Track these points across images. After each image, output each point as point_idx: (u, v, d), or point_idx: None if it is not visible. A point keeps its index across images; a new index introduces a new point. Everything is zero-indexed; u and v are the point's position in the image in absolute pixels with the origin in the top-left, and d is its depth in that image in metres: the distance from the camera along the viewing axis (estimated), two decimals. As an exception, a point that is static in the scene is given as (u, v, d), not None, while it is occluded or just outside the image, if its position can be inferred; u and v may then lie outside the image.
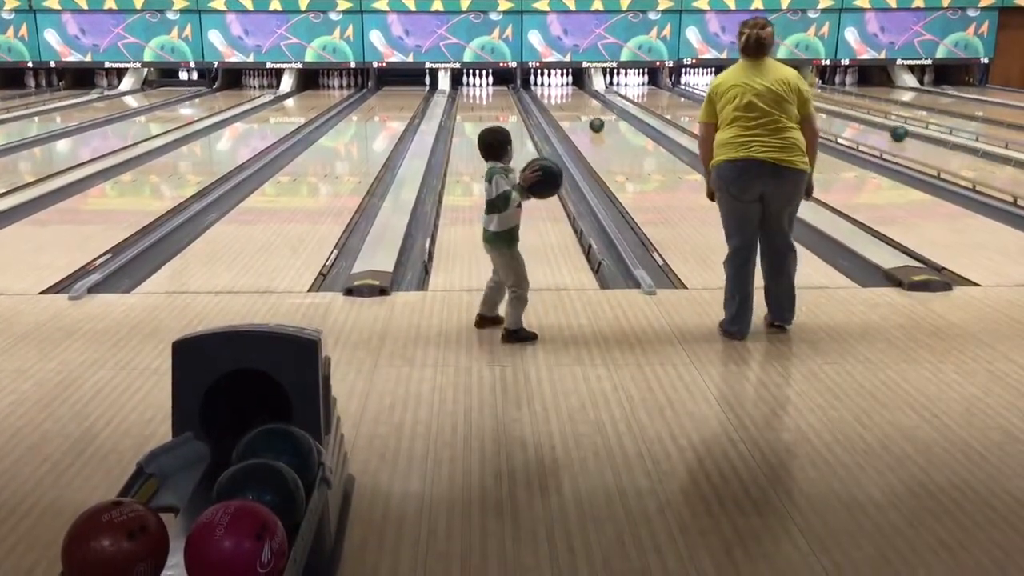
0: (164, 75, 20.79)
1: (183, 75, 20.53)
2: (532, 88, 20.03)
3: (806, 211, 6.59)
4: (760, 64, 4.48)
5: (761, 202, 4.45)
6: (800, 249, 4.76)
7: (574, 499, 3.07)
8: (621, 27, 19.74)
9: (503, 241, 4.48)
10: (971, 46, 19.96)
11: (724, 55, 19.93)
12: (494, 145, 4.49)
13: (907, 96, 18.30)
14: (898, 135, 11.75)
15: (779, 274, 4.58)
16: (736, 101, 4.41)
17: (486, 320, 4.73)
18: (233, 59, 19.75)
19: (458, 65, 19.94)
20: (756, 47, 4.48)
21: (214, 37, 19.52)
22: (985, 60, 19.97)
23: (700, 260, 6.09)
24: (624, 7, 19.61)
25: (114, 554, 1.94)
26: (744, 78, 4.45)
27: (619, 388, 3.99)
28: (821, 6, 19.65)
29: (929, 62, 20.17)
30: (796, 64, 20.55)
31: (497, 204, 4.41)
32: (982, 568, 2.70)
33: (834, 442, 3.50)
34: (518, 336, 4.54)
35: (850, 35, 19.85)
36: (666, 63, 20.09)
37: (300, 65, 19.82)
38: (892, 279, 5.59)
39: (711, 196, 4.68)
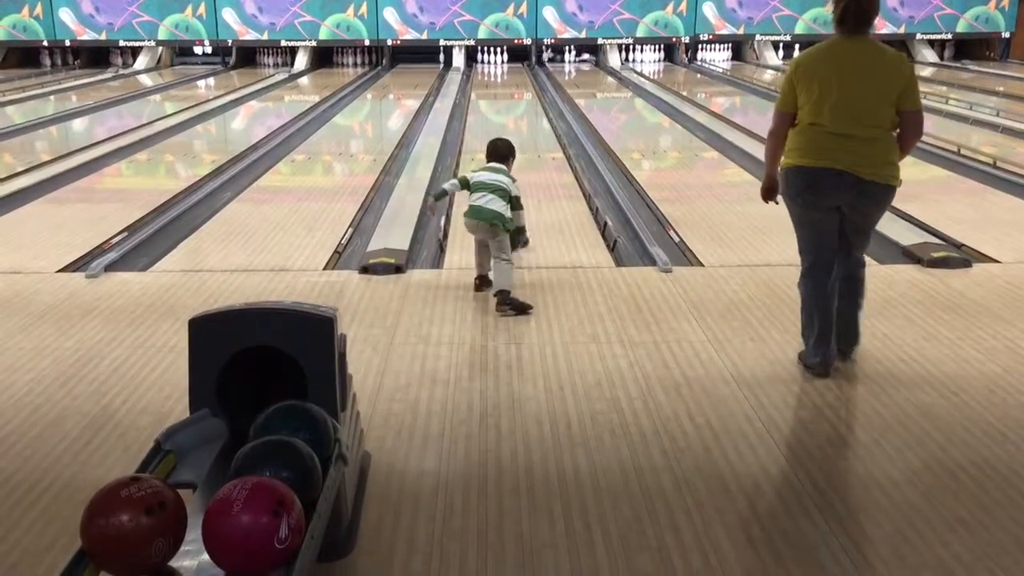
0: (179, 54, 20.77)
1: (197, 50, 20.47)
2: (547, 65, 19.92)
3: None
4: (858, 45, 3.59)
5: (839, 212, 3.74)
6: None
7: (590, 476, 3.07)
8: (637, 2, 19.56)
9: (506, 223, 4.74)
10: (992, 20, 19.67)
11: (741, 31, 19.77)
12: (506, 152, 5.06)
13: (927, 71, 18.07)
14: None
15: (847, 295, 3.85)
16: (818, 101, 3.60)
17: (487, 281, 4.94)
18: (247, 37, 19.71)
19: (472, 42, 19.83)
20: (856, 20, 3.56)
21: (228, 15, 19.49)
22: (1006, 34, 19.69)
23: (716, 237, 6.06)
24: (640, -18, 19.47)
25: (133, 530, 1.95)
26: (835, 68, 3.58)
27: (635, 366, 3.98)
28: (840, -21, 19.42)
29: (949, 36, 19.91)
30: (813, 40, 20.38)
31: (516, 204, 4.85)
32: (1001, 546, 2.68)
33: (852, 419, 3.48)
34: (510, 299, 4.60)
35: (869, 9, 19.58)
36: (682, 39, 19.91)
37: (314, 43, 19.76)
38: (911, 256, 5.54)
39: (766, 196, 3.94)
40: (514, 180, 4.91)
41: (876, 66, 3.58)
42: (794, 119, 3.73)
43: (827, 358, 3.82)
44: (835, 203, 3.69)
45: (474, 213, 4.74)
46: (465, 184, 4.86)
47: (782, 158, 3.81)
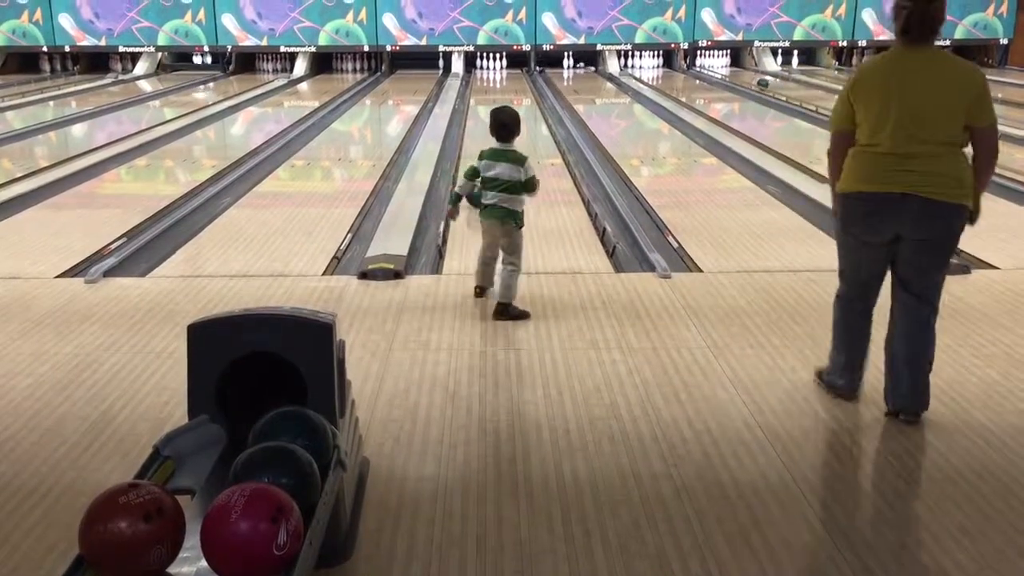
0: (178, 59, 20.81)
1: (196, 59, 20.54)
2: (545, 71, 19.93)
3: (820, 190, 6.56)
4: (923, 56, 3.29)
5: (896, 243, 3.37)
6: (813, 230, 4.60)
7: (589, 482, 3.06)
8: (636, 9, 19.59)
9: (519, 219, 4.68)
10: (990, 27, 19.72)
11: (740, 37, 19.80)
12: (512, 126, 4.74)
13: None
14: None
15: (908, 339, 3.43)
16: (879, 117, 3.29)
17: (486, 291, 4.91)
18: (247, 43, 19.73)
19: (471, 48, 19.85)
20: (921, 29, 3.25)
21: (228, 21, 19.51)
22: (1004, 41, 19.73)
23: (715, 243, 6.06)
24: (639, -12, 19.51)
25: (131, 536, 1.94)
26: (898, 81, 3.27)
27: (634, 372, 3.98)
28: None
29: (948, 43, 19.86)
30: (812, 46, 20.45)
31: (529, 186, 4.68)
32: (1003, 555, 2.67)
33: (852, 427, 3.48)
34: (508, 312, 4.60)
35: (868, 16, 19.64)
36: (681, 45, 19.94)
37: (314, 49, 19.78)
38: (910, 262, 5.53)
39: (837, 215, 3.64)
40: (525, 159, 4.67)
41: (943, 77, 3.27)
42: (852, 137, 3.42)
43: (853, 383, 3.61)
44: (895, 232, 3.33)
45: (486, 214, 4.71)
46: (475, 174, 4.70)
47: (839, 182, 3.50)
